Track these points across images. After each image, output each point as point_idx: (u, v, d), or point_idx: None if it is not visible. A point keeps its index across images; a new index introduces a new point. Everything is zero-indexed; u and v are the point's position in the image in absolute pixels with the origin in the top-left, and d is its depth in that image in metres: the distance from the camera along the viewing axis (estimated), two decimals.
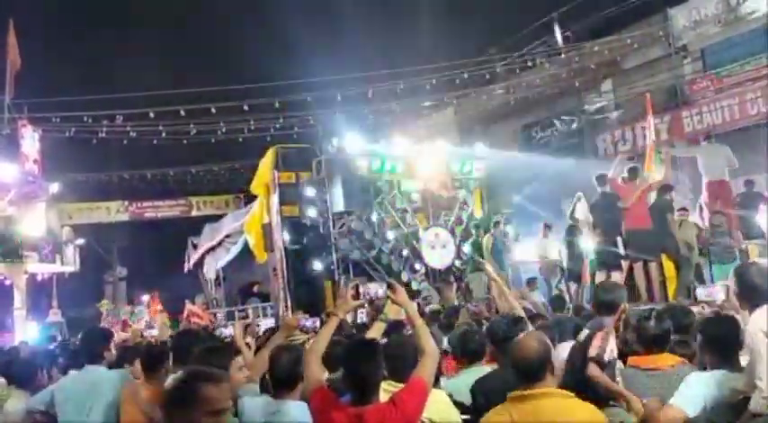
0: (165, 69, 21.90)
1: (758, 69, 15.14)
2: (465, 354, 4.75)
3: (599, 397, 4.02)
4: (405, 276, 13.12)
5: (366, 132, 14.61)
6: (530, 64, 18.12)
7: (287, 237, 13.30)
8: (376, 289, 3.67)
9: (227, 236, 17.00)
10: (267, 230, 13.74)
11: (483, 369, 4.55)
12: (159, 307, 17.72)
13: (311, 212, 12.94)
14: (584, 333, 4.24)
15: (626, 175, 10.28)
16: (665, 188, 10.11)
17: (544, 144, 19.57)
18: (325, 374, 3.89)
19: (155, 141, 18.71)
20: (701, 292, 4.60)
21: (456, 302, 12.19)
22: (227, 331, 7.52)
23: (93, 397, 4.61)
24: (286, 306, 12.81)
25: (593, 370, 4.00)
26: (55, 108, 17.24)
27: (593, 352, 4.05)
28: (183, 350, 4.45)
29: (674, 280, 9.81)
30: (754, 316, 3.65)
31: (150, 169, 24.62)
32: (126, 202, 26.57)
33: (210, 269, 18.13)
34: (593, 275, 11.07)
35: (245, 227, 15.01)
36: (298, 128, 18.07)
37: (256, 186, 14.09)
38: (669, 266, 9.81)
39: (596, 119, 18.60)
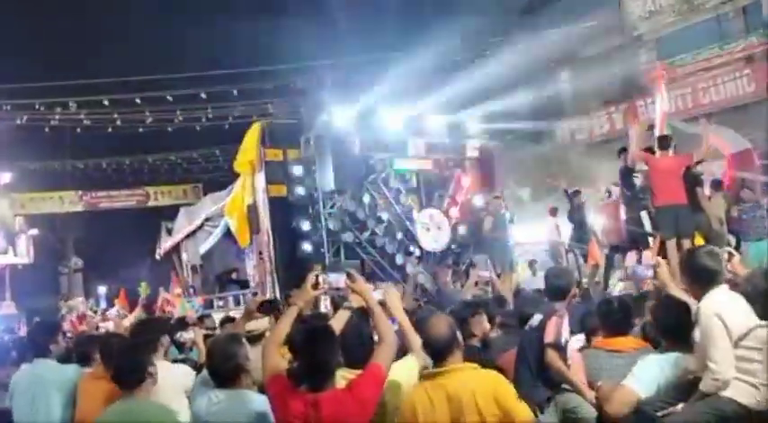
0: (119, 56, 21.42)
1: (710, 59, 15.48)
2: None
3: (553, 382, 4.10)
4: (399, 259, 12.60)
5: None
6: (487, 52, 18.20)
7: (274, 218, 12.40)
8: (336, 279, 3.69)
9: (208, 219, 16.26)
10: (252, 212, 12.79)
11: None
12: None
13: (300, 192, 12.07)
14: (537, 318, 4.30)
15: (655, 145, 9.20)
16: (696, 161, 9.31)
17: (504, 132, 19.73)
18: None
19: (109, 129, 18.40)
20: (636, 269, 4.69)
21: (452, 286, 11.82)
22: (186, 335, 7.31)
23: (45, 390, 4.52)
24: (273, 292, 11.89)
25: (551, 356, 4.06)
26: (5, 95, 16.80)
27: (549, 337, 4.11)
28: (147, 340, 4.35)
29: None
30: (707, 298, 3.74)
31: (105, 158, 24.15)
32: (80, 192, 26.00)
33: (193, 255, 17.49)
34: (608, 256, 10.61)
35: (225, 209, 14.04)
36: (257, 116, 17.91)
37: (240, 164, 13.06)
38: (700, 243, 8.92)
39: (554, 107, 18.81)
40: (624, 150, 9.80)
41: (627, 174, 9.54)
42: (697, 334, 3.86)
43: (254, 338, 5.04)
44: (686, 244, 8.55)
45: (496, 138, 16.15)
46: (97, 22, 23.21)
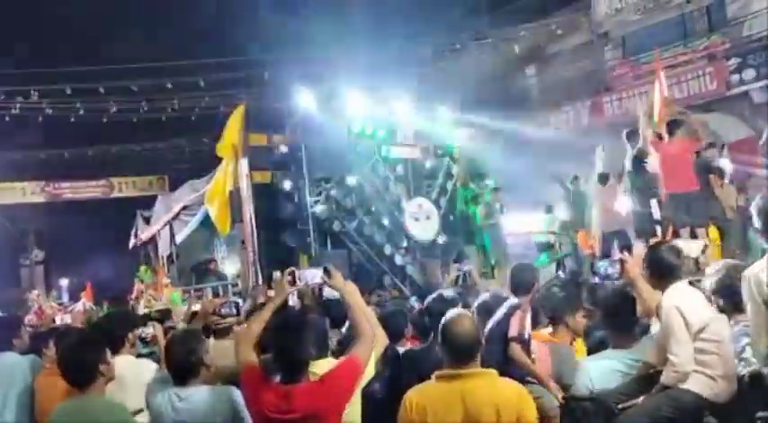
0: (82, 43, 20.98)
1: (675, 57, 15.74)
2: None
3: (518, 376, 4.16)
4: (388, 250, 12.24)
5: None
6: (458, 46, 18.25)
7: (258, 206, 11.91)
8: (313, 274, 3.67)
9: (185, 207, 15.71)
10: (234, 199, 12.09)
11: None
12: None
13: (285, 178, 11.68)
14: (500, 312, 4.36)
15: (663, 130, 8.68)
16: (707, 145, 9.11)
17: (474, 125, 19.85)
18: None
19: (72, 119, 18.02)
20: (600, 266, 4.65)
21: (440, 278, 11.52)
22: (148, 330, 7.22)
23: (6, 384, 4.47)
24: (256, 282, 11.36)
25: (515, 350, 4.12)
26: None
27: (513, 332, 4.17)
28: (115, 335, 4.29)
29: (717, 247, 8.41)
30: (668, 292, 3.82)
31: (68, 148, 23.64)
32: (42, 183, 25.44)
33: (166, 245, 16.96)
34: (604, 245, 10.32)
35: (205, 197, 13.25)
36: (224, 107, 17.70)
37: (222, 148, 12.29)
38: (713, 232, 8.53)
39: (521, 103, 18.96)
40: (634, 133, 9.28)
41: (637, 160, 9.10)
42: (657, 328, 3.96)
43: (222, 331, 5.02)
44: (701, 233, 8.16)
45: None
46: (59, 8, 22.71)
